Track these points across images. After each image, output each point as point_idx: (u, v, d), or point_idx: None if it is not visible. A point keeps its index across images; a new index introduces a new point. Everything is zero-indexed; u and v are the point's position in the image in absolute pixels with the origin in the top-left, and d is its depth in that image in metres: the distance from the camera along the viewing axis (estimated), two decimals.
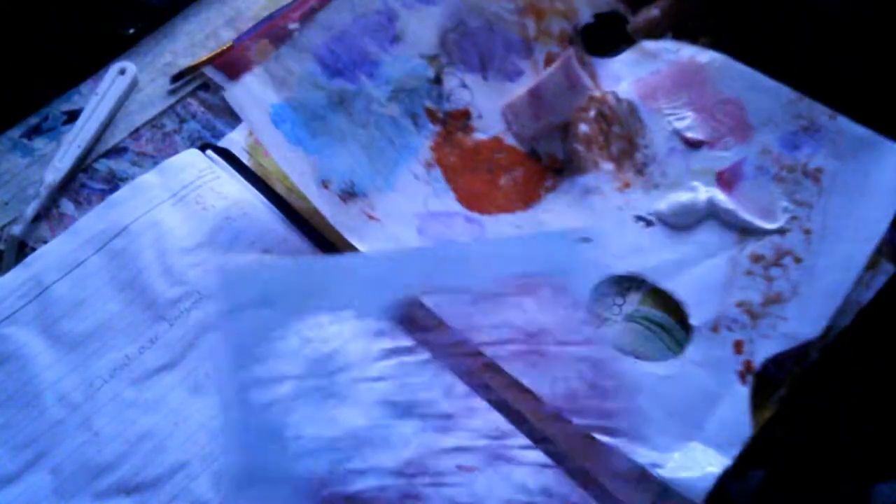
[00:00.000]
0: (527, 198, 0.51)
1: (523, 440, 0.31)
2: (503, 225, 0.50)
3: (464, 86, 0.54)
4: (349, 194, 0.48)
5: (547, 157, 0.52)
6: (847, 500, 0.53)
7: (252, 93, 0.48)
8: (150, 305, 0.45)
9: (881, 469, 0.54)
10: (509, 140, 0.53)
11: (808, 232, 0.47)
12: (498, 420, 0.32)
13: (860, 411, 0.55)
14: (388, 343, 0.32)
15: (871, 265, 0.49)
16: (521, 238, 0.37)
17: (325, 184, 0.48)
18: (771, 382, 0.46)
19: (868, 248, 0.45)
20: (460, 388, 0.32)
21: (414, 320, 0.32)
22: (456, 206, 0.50)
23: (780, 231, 0.47)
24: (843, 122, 0.49)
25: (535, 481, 0.32)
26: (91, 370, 0.44)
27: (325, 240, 0.49)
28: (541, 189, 0.51)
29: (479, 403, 0.32)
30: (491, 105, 0.54)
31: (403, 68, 0.52)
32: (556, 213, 0.50)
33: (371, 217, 0.48)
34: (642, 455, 0.41)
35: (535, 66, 0.54)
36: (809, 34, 0.55)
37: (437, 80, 0.53)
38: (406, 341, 0.32)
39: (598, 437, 0.38)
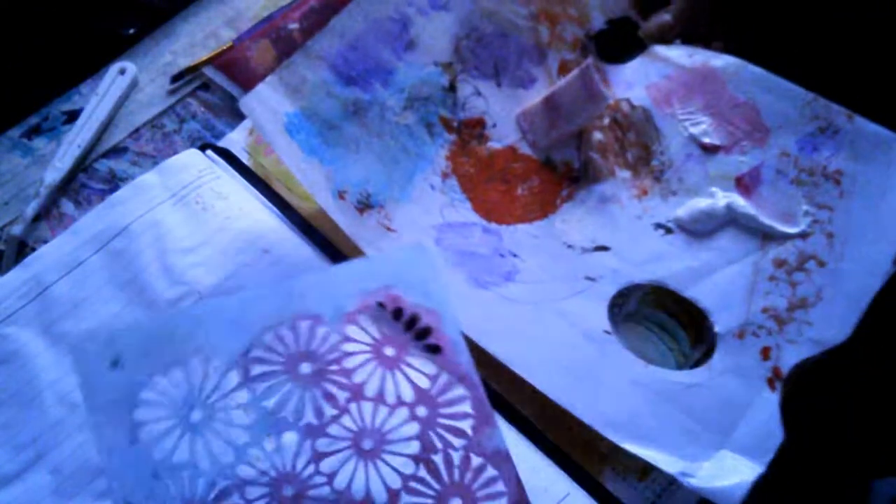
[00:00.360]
0: (544, 207, 0.51)
1: (392, 434, 0.37)
2: (521, 235, 0.49)
3: (478, 93, 0.53)
4: (365, 205, 0.48)
5: (562, 166, 0.52)
6: (847, 496, 0.53)
7: (266, 102, 0.48)
8: (150, 305, 0.45)
9: (881, 466, 0.54)
10: (524, 149, 0.53)
11: (830, 235, 0.46)
12: (365, 420, 0.37)
13: (860, 410, 0.55)
14: (253, 370, 0.37)
15: None
16: (371, 257, 0.41)
17: (341, 194, 0.47)
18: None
19: (892, 249, 0.45)
20: (323, 399, 0.37)
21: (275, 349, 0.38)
22: (473, 217, 0.50)
23: (803, 235, 0.47)
24: (861, 122, 0.48)
25: (406, 469, 0.36)
26: None
27: (324, 239, 0.49)
28: (557, 198, 0.51)
29: (347, 406, 0.37)
30: (505, 113, 0.53)
31: (418, 76, 0.52)
32: (573, 222, 0.50)
33: (388, 229, 0.48)
34: (671, 464, 0.41)
35: (549, 73, 0.54)
36: (821, 36, 0.55)
37: (452, 88, 0.53)
38: (265, 367, 0.37)
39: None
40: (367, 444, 0.36)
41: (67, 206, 0.52)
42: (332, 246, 0.48)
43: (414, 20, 0.52)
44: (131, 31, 0.59)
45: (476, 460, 0.36)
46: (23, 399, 0.43)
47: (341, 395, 0.37)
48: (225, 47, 0.58)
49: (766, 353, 0.44)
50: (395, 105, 0.51)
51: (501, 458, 0.37)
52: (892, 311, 0.51)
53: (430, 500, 0.36)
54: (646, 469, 0.43)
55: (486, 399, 0.38)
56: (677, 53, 0.53)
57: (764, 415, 0.43)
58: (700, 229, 0.49)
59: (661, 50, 0.53)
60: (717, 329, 0.46)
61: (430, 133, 0.52)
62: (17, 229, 0.50)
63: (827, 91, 0.50)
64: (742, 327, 0.45)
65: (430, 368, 0.38)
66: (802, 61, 0.52)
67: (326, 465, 0.36)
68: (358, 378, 0.37)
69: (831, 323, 0.45)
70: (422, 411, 0.37)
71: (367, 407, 0.37)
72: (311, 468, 0.35)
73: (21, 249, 0.50)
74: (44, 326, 0.45)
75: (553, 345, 0.45)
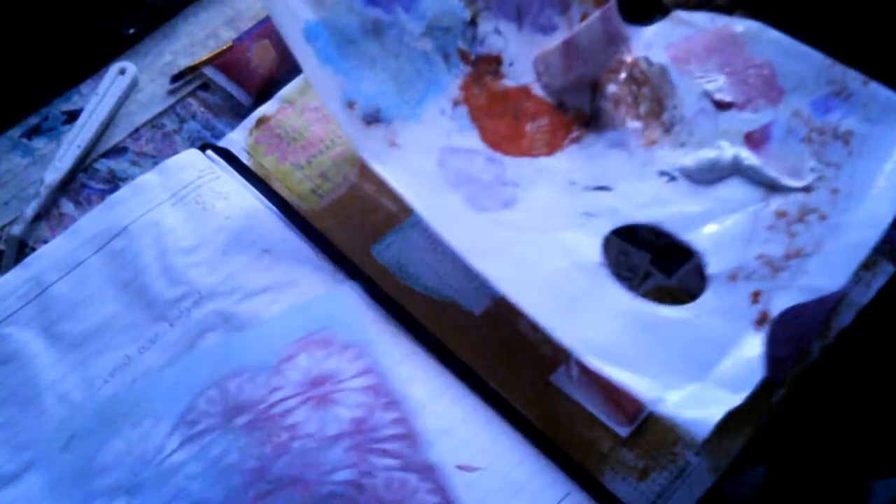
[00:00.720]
0: (551, 145, 0.50)
1: (331, 465, 0.39)
2: (525, 167, 0.49)
3: (498, 32, 0.53)
4: (374, 119, 0.48)
5: (573, 110, 0.52)
6: (846, 496, 0.53)
7: (288, 4, 0.47)
8: (150, 305, 0.45)
9: (881, 466, 0.54)
10: (537, 90, 0.52)
11: (835, 191, 0.46)
12: (304, 456, 0.39)
13: (859, 410, 0.55)
14: (192, 429, 0.40)
15: (871, 265, 0.49)
16: (300, 305, 0.43)
17: (350, 105, 0.47)
18: (771, 382, 0.46)
19: (893, 210, 0.44)
20: (262, 444, 0.39)
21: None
22: (479, 145, 0.50)
23: (806, 189, 0.47)
24: (876, 87, 0.48)
25: (346, 494, 0.39)
26: (91, 370, 0.44)
27: (325, 239, 0.49)
28: (565, 139, 0.51)
29: (286, 445, 0.39)
30: (523, 55, 0.53)
31: (440, 6, 0.52)
32: (578, 161, 0.50)
33: (393, 144, 0.48)
34: (646, 390, 0.40)
35: (570, 24, 0.53)
36: (843, 10, 0.55)
37: (473, 23, 0.52)
38: (205, 424, 0.40)
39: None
40: (307, 478, 0.38)
41: (67, 206, 0.52)
42: (333, 246, 0.48)
43: None
44: (131, 31, 0.59)
45: (409, 476, 0.39)
46: (22, 399, 0.43)
47: (280, 437, 0.39)
48: (225, 47, 0.58)
49: (756, 296, 0.44)
50: (414, 30, 0.51)
51: (431, 470, 0.39)
52: (892, 312, 0.51)
53: None
54: (646, 469, 0.43)
55: (414, 419, 0.40)
56: (700, 17, 0.53)
57: (747, 353, 0.41)
58: (705, 178, 0.48)
59: (683, 14, 0.53)
60: (708, 270, 0.45)
61: (447, 61, 0.51)
62: (17, 229, 0.50)
63: (847, 61, 0.50)
64: (734, 271, 0.45)
65: (361, 399, 0.40)
66: (823, 34, 0.52)
67: (272, 502, 0.38)
68: (294, 419, 0.39)
69: (828, 272, 0.44)
70: (356, 440, 0.39)
71: (305, 444, 0.39)
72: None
73: (21, 249, 0.50)
74: (44, 326, 0.45)
75: (543, 270, 0.45)
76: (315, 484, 0.38)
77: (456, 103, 0.51)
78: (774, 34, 0.51)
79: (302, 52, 0.47)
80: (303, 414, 0.40)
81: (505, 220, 0.47)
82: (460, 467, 0.41)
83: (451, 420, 0.42)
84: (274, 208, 0.50)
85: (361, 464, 0.39)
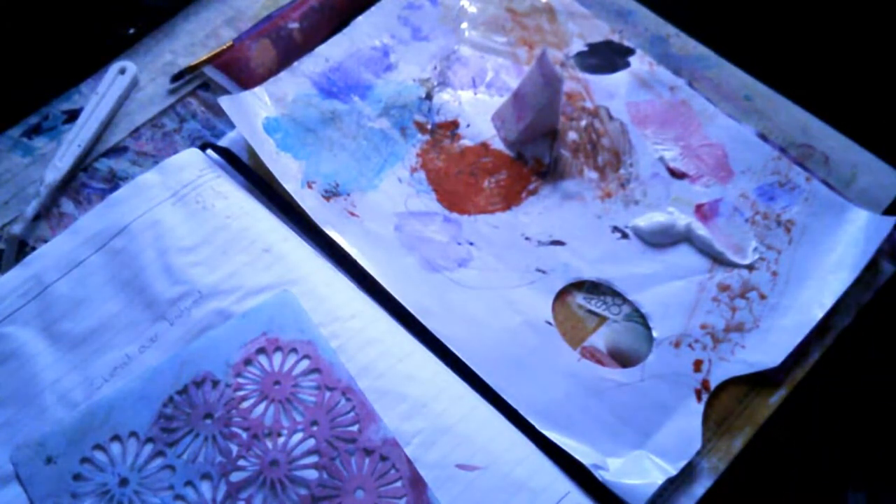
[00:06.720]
0: (507, 200, 0.52)
1: (294, 452, 0.41)
2: (481, 225, 0.51)
3: (454, 100, 0.56)
4: (333, 194, 0.51)
5: (533, 161, 0.54)
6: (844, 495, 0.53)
7: (246, 105, 0.52)
8: (150, 304, 0.45)
9: (854, 479, 0.54)
10: (496, 145, 0.54)
11: (774, 274, 0.49)
12: (268, 447, 0.41)
13: (860, 411, 0.55)
14: (163, 435, 0.41)
15: (871, 265, 0.49)
16: (245, 313, 0.45)
17: (309, 184, 0.51)
18: (771, 382, 0.46)
19: (828, 302, 0.47)
20: (229, 440, 0.41)
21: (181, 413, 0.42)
22: (436, 207, 0.51)
23: (749, 267, 0.49)
24: (818, 185, 0.52)
25: (311, 477, 0.41)
26: (91, 369, 0.44)
27: (326, 238, 0.49)
28: (523, 192, 0.53)
29: (251, 440, 0.42)
30: (480, 115, 0.55)
31: (396, 89, 0.55)
32: (534, 215, 0.52)
33: (352, 214, 0.50)
34: (587, 456, 0.42)
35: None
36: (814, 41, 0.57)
37: (428, 97, 0.55)
38: (174, 428, 0.42)
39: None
40: (274, 467, 0.41)
41: (68, 205, 0.52)
42: (333, 244, 0.49)
43: (395, 49, 0.57)
44: (131, 30, 0.59)
45: (369, 453, 0.41)
46: (22, 398, 0.43)
47: (244, 433, 0.41)
48: (225, 47, 0.58)
49: (698, 365, 0.46)
50: (371, 113, 0.54)
51: (390, 445, 0.41)
52: (892, 312, 0.51)
53: (336, 499, 0.40)
54: None
55: (367, 402, 0.42)
56: (660, 80, 0.56)
57: (686, 422, 0.44)
58: (656, 241, 0.51)
59: (644, 73, 0.56)
60: (654, 335, 0.47)
61: (404, 135, 0.54)
62: (17, 228, 0.50)
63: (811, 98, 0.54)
64: (679, 337, 0.47)
65: (314, 390, 0.42)
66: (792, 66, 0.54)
67: (243, 493, 0.40)
68: (255, 415, 0.42)
69: (763, 349, 0.46)
70: (315, 427, 0.42)
71: (268, 436, 0.41)
72: (230, 500, 0.40)
73: (21, 248, 0.50)
74: (44, 325, 0.45)
75: (494, 330, 0.47)
76: (281, 471, 0.40)
77: (413, 170, 0.53)
78: (728, 122, 0.54)
79: (260, 141, 0.51)
80: (263, 409, 0.42)
81: (459, 279, 0.49)
82: (460, 466, 0.41)
83: (450, 419, 0.42)
84: (274, 207, 0.50)
85: (323, 448, 0.41)
